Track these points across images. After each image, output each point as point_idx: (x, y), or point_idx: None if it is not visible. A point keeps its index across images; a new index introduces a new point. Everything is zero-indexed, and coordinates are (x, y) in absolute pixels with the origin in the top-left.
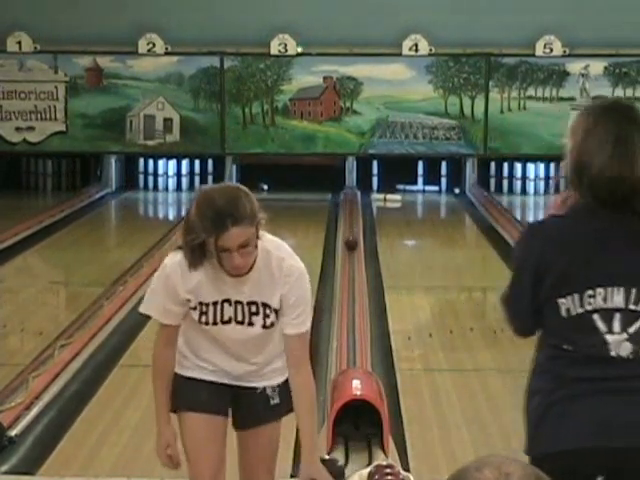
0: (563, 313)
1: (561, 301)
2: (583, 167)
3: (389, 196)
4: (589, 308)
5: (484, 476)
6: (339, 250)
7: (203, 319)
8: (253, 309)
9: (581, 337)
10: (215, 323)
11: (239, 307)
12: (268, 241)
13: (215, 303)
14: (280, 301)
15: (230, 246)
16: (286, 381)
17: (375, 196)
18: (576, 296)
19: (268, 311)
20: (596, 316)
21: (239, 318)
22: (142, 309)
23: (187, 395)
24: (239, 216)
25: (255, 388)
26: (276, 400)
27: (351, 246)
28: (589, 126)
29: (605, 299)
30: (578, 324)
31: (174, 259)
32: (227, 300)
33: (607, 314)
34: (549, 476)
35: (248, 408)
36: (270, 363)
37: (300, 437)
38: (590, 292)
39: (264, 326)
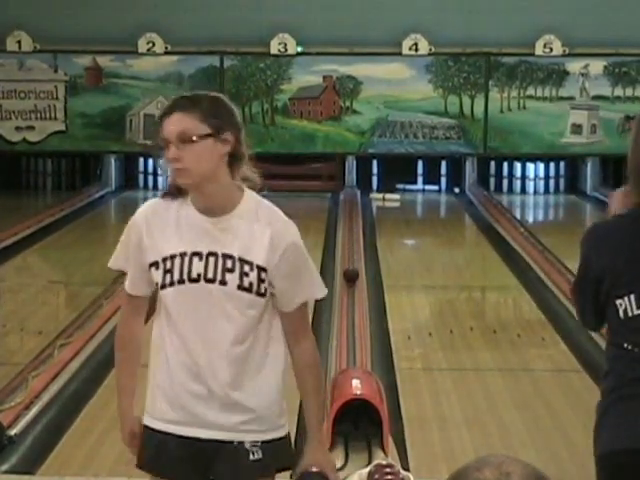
0: (621, 314)
1: (619, 302)
2: (634, 168)
3: (388, 195)
4: None
5: (484, 476)
6: (339, 249)
7: (167, 279)
8: (228, 264)
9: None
10: (181, 281)
11: (211, 260)
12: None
13: (183, 255)
14: (268, 258)
15: (167, 134)
16: (278, 439)
17: (374, 195)
18: (632, 297)
19: (247, 268)
20: None
21: (209, 275)
22: (110, 264)
23: (159, 461)
24: (187, 104)
25: (231, 442)
26: (257, 455)
27: (351, 278)
28: (638, 129)
29: None
30: (636, 325)
31: (147, 203)
32: (197, 254)
33: None
34: (609, 475)
35: (220, 467)
36: (259, 404)
37: (305, 418)
38: None
39: (240, 286)
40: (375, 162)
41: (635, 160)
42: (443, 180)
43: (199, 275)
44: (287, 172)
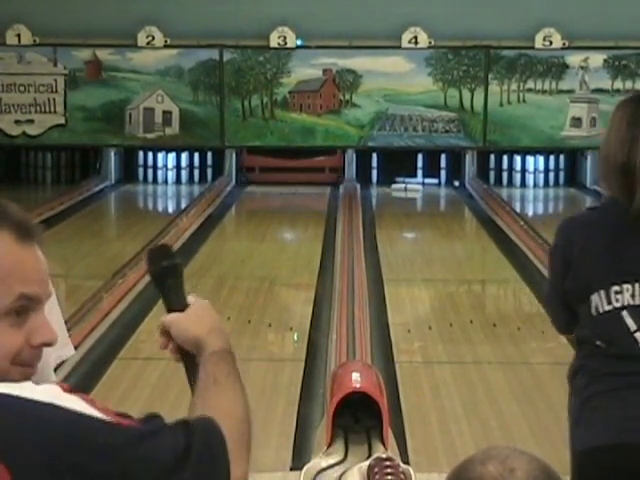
0: (593, 311)
1: (591, 298)
2: (603, 158)
3: (410, 185)
4: (617, 305)
5: (487, 470)
6: (338, 243)
7: None
8: None
9: (611, 335)
10: None
11: None
12: None
13: None
14: None
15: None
16: None
17: (395, 186)
18: (602, 293)
19: None
20: (625, 313)
21: None
22: None
23: None
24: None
25: None
26: None
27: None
28: (611, 119)
29: (633, 295)
30: (607, 322)
31: None
32: None
33: (636, 311)
34: (589, 472)
35: None
36: None
37: None
38: (616, 288)
39: None
40: (375, 155)
41: (600, 153)
42: (443, 173)
43: None
44: (291, 165)
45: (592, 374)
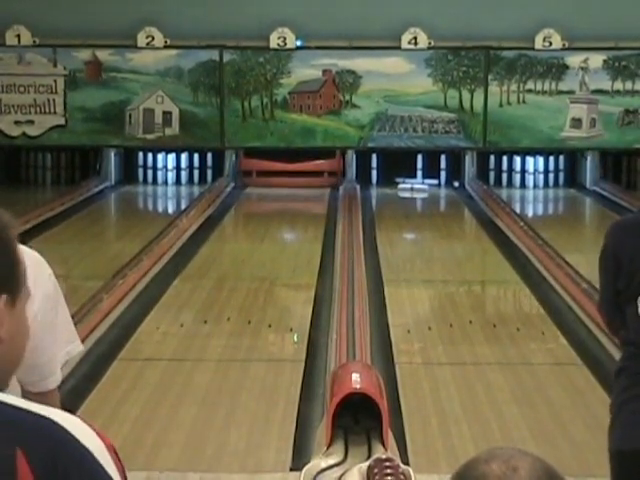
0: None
1: (639, 299)
2: None
3: (416, 186)
4: None
5: (490, 469)
6: (338, 243)
7: None
8: None
9: None
10: None
11: None
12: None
13: None
14: None
15: None
16: None
17: (402, 186)
18: None
19: None
20: None
21: None
22: None
23: None
24: None
25: None
26: None
27: None
28: None
29: None
30: None
31: None
32: None
33: None
34: (618, 473)
35: None
36: None
37: None
38: None
39: None
40: (375, 156)
41: None
42: (443, 174)
43: None
44: (289, 169)
45: (633, 377)
